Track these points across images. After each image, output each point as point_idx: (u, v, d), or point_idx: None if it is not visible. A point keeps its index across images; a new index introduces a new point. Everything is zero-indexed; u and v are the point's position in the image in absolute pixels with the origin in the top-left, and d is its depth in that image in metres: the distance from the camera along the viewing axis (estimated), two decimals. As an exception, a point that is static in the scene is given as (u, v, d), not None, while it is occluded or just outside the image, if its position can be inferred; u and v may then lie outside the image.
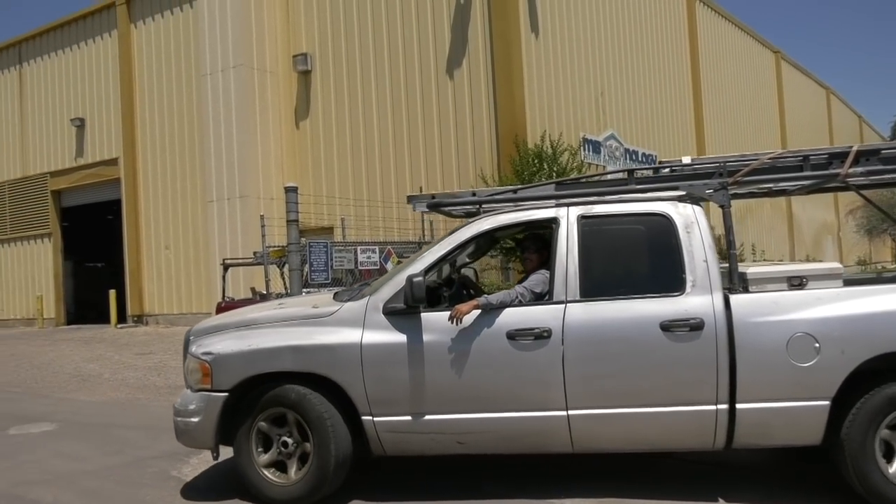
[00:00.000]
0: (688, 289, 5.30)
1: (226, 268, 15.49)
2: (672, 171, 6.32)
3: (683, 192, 5.67)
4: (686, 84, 31.76)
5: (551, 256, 5.68)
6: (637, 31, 27.44)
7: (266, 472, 5.66)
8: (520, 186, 7.53)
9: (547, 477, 6.27)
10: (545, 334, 5.36)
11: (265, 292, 14.04)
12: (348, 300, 5.87)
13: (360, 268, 14.37)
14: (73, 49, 30.02)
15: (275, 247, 13.70)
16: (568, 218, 5.69)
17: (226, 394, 5.73)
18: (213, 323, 6.45)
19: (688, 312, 5.23)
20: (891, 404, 4.97)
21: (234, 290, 19.01)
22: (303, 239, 13.32)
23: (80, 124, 29.29)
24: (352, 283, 14.50)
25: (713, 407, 5.17)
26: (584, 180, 7.03)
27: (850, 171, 5.74)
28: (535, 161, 18.22)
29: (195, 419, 5.80)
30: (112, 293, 27.40)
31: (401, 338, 5.56)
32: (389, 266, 15.10)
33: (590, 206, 5.75)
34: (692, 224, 5.46)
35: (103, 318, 27.83)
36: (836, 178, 5.87)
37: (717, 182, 5.67)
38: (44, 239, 30.91)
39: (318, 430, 5.52)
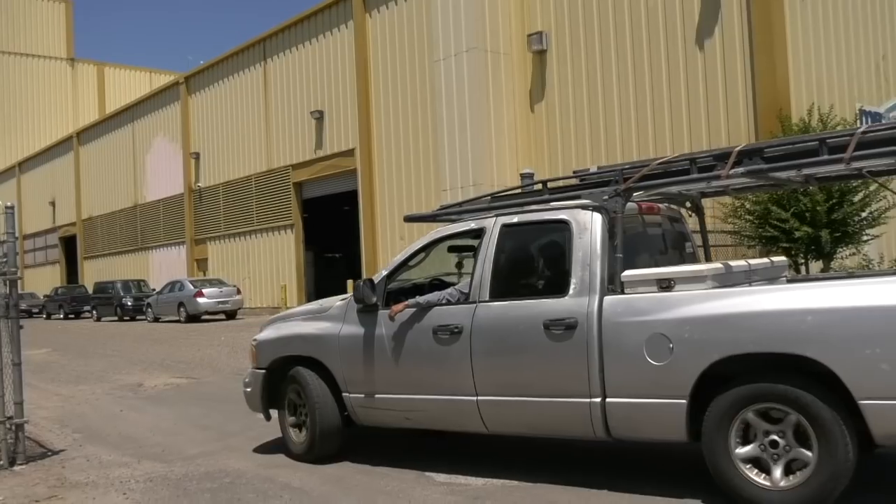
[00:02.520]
0: (570, 291, 5.99)
1: (460, 261, 15.64)
2: (582, 180, 7.27)
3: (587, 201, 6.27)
4: None
5: (475, 262, 6.73)
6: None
7: (291, 432, 7.60)
8: (465, 200, 8.55)
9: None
10: (457, 330, 6.45)
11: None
12: (344, 300, 7.48)
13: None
14: (312, 42, 32.04)
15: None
16: (492, 227, 6.66)
17: (264, 371, 7.77)
18: (272, 317, 8.40)
19: (565, 313, 5.92)
20: (737, 406, 5.25)
21: (468, 281, 19.29)
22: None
23: (319, 116, 31.22)
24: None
25: (587, 400, 5.80)
26: (512, 191, 8.04)
27: (731, 172, 5.98)
28: (802, 137, 16.79)
29: (249, 389, 8.01)
30: (350, 283, 28.95)
31: (362, 330, 7.11)
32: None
33: (512, 216, 6.65)
34: (585, 230, 6.08)
35: (341, 308, 29.37)
36: (718, 180, 6.17)
37: (611, 189, 6.18)
38: (287, 230, 33.37)
39: (311, 403, 7.24)
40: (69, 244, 55.76)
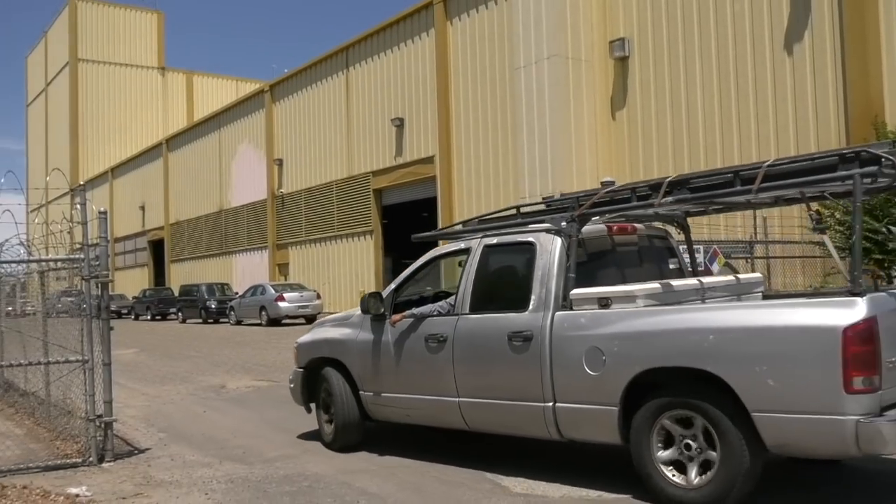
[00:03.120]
0: (530, 306, 6.75)
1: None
2: (548, 206, 7.97)
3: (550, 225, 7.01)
4: None
5: (460, 278, 7.59)
6: None
7: (324, 424, 8.55)
8: (461, 221, 10.04)
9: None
10: (443, 339, 7.35)
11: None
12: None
13: (682, 269, 13.69)
14: (394, 50, 32.36)
15: (590, 245, 13.49)
16: (476, 247, 7.58)
17: (303, 370, 8.86)
18: (314, 323, 10.08)
19: (524, 326, 6.70)
20: (656, 413, 5.89)
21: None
22: (620, 237, 12.98)
23: (399, 124, 31.51)
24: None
25: (542, 404, 6.56)
26: (485, 217, 8.66)
27: (662, 201, 6.51)
28: (898, 145, 16.17)
29: (292, 386, 9.09)
30: (429, 290, 29.08)
31: (373, 337, 8.06)
32: (715, 268, 14.22)
33: (492, 237, 7.52)
34: (546, 252, 6.84)
35: (419, 315, 29.59)
36: (652, 207, 6.76)
37: (567, 215, 6.92)
38: (367, 236, 33.76)
39: (335, 399, 8.30)
40: (157, 247, 57.56)
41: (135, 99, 76.69)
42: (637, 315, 6.28)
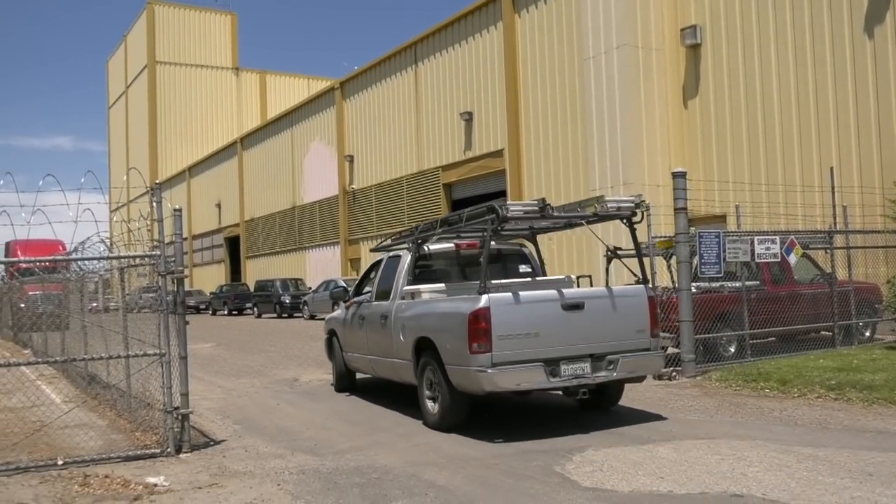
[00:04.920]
0: (391, 297, 10.66)
1: (609, 258, 15.35)
2: (412, 232, 11.46)
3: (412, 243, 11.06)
4: None
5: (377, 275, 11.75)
6: None
7: (335, 373, 13.00)
8: (401, 230, 14.20)
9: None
10: (363, 317, 11.51)
11: (649, 284, 13.68)
12: None
13: (757, 260, 13.36)
14: (462, 45, 32.35)
15: (661, 237, 13.27)
16: (385, 257, 11.75)
17: (327, 336, 13.29)
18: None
19: (385, 310, 10.62)
20: (422, 365, 9.44)
21: (618, 280, 18.91)
22: (692, 228, 12.76)
23: (468, 118, 31.50)
24: (747, 277, 13.59)
25: (392, 360, 10.43)
26: (400, 233, 12.37)
27: (439, 231, 10.42)
28: None
29: (326, 347, 13.38)
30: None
31: (344, 316, 12.42)
32: (792, 259, 13.84)
33: (392, 251, 11.86)
34: (400, 260, 10.91)
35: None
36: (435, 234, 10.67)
37: (411, 238, 11.08)
38: (436, 230, 33.80)
39: (335, 356, 12.84)
40: (233, 244, 58.74)
41: (210, 99, 78.42)
42: (418, 304, 10.04)
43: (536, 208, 8.86)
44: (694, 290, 12.52)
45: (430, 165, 34.45)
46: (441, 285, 10.15)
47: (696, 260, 12.59)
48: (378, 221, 38.84)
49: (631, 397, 10.49)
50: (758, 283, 13.84)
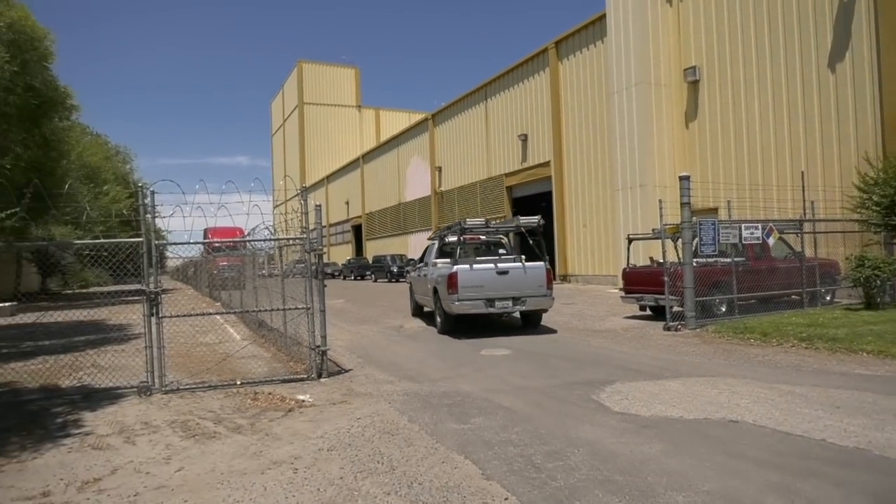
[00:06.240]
0: (429, 265, 13.71)
1: (629, 241, 14.87)
2: (449, 227, 14.09)
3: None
4: None
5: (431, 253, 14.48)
6: None
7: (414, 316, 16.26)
8: (446, 226, 17.12)
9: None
10: (422, 277, 14.22)
11: (661, 261, 13.14)
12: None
13: (743, 242, 12.65)
14: (519, 85, 31.74)
15: (670, 224, 12.70)
16: (435, 242, 14.31)
17: (409, 286, 16.76)
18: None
19: (425, 272, 14.16)
20: (434, 301, 12.79)
21: (636, 258, 18.33)
22: (693, 218, 12.16)
23: (524, 138, 30.94)
24: (736, 254, 12.92)
25: (429, 297, 13.37)
26: (442, 227, 16.35)
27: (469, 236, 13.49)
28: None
29: (409, 292, 16.77)
30: (546, 259, 28.67)
31: (415, 275, 15.47)
32: (771, 240, 13.11)
33: (438, 238, 14.49)
34: (434, 245, 14.37)
35: (539, 276, 29.24)
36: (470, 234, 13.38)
37: (440, 233, 14.57)
38: (501, 221, 33.44)
39: (411, 300, 16.26)
40: (357, 230, 59.45)
41: (341, 128, 79.26)
42: (435, 269, 12.96)
43: (483, 222, 12.31)
44: (695, 264, 11.97)
45: (496, 173, 34.02)
46: (448, 260, 12.82)
47: (696, 242, 12.03)
48: (459, 214, 38.65)
49: (645, 343, 10.07)
50: (744, 259, 13.14)
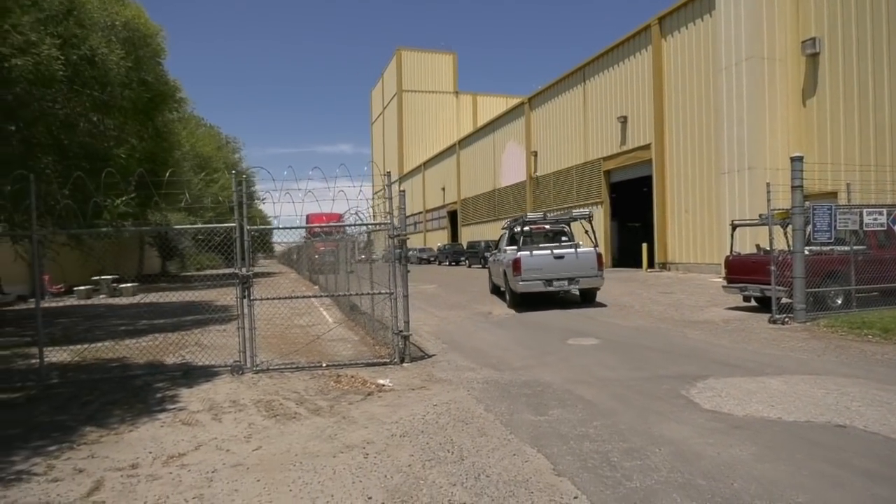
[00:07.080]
0: (501, 251, 16.34)
1: (734, 227, 13.95)
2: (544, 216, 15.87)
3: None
4: None
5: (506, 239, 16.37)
6: None
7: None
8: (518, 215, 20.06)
9: None
10: (498, 260, 16.21)
11: (768, 249, 12.22)
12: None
13: (865, 228, 11.51)
14: (619, 65, 30.54)
15: (779, 209, 11.75)
16: (506, 231, 16.45)
17: (488, 269, 19.31)
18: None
19: (502, 257, 15.48)
20: (505, 281, 15.08)
21: (741, 246, 17.20)
22: (806, 203, 11.20)
23: (623, 120, 29.80)
24: (855, 243, 11.78)
25: (501, 279, 15.43)
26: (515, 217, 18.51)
27: (533, 227, 16.04)
28: None
29: (488, 275, 18.96)
30: (644, 246, 27.60)
31: (491, 259, 18.16)
32: (897, 227, 11.84)
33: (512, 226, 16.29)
34: (505, 234, 16.58)
35: (637, 264, 28.25)
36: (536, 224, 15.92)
37: (513, 223, 16.66)
38: (598, 206, 32.53)
39: (489, 281, 18.37)
40: (452, 215, 59.81)
41: (438, 114, 79.89)
42: (504, 255, 14.86)
43: (541, 215, 15.16)
44: (807, 252, 11.04)
45: (593, 157, 33.02)
46: (515, 247, 14.53)
47: (808, 228, 11.07)
48: (554, 200, 37.94)
49: (747, 337, 9.42)
50: (865, 247, 11.97)
